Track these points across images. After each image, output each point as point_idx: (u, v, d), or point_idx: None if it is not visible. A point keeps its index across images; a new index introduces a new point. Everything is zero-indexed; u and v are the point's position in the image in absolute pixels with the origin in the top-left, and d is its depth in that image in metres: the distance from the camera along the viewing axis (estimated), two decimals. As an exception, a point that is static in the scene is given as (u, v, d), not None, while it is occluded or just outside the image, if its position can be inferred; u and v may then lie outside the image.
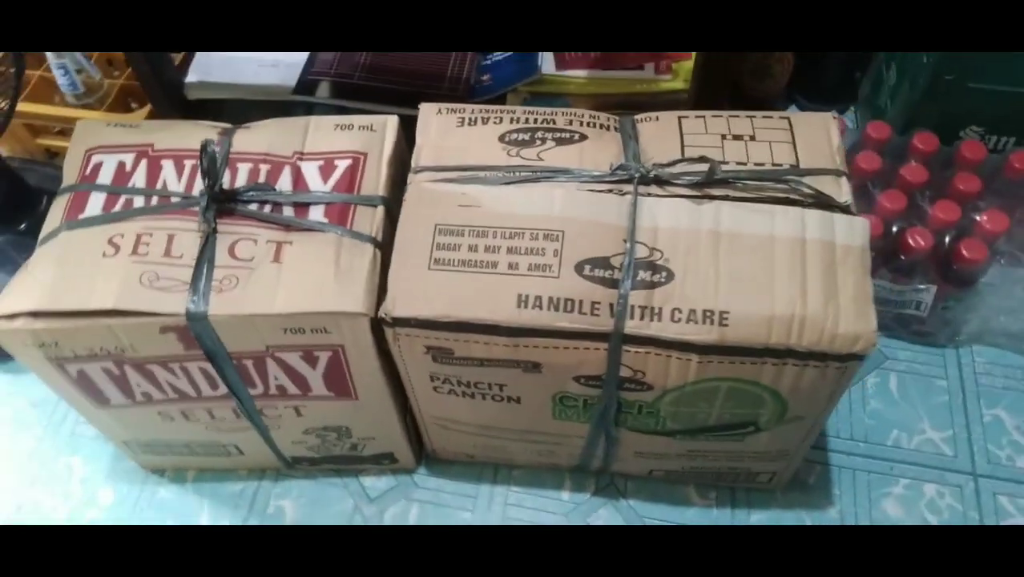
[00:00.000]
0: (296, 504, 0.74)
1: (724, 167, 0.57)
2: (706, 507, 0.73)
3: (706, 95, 0.74)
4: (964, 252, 0.71)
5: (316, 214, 0.59)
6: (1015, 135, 0.83)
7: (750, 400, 0.58)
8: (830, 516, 0.72)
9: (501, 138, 0.61)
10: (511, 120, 0.62)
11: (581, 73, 0.81)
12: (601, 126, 0.62)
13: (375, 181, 0.61)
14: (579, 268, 0.55)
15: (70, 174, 0.62)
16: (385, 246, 0.59)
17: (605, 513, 0.73)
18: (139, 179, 0.60)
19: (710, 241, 0.55)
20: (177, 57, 0.88)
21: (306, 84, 0.84)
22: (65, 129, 0.94)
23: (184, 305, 0.55)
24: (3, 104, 0.76)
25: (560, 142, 0.60)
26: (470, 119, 0.63)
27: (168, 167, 0.61)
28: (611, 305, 0.54)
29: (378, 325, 0.56)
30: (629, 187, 0.57)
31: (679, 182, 0.57)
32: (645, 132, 0.61)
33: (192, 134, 0.63)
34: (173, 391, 0.62)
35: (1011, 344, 0.79)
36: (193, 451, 0.71)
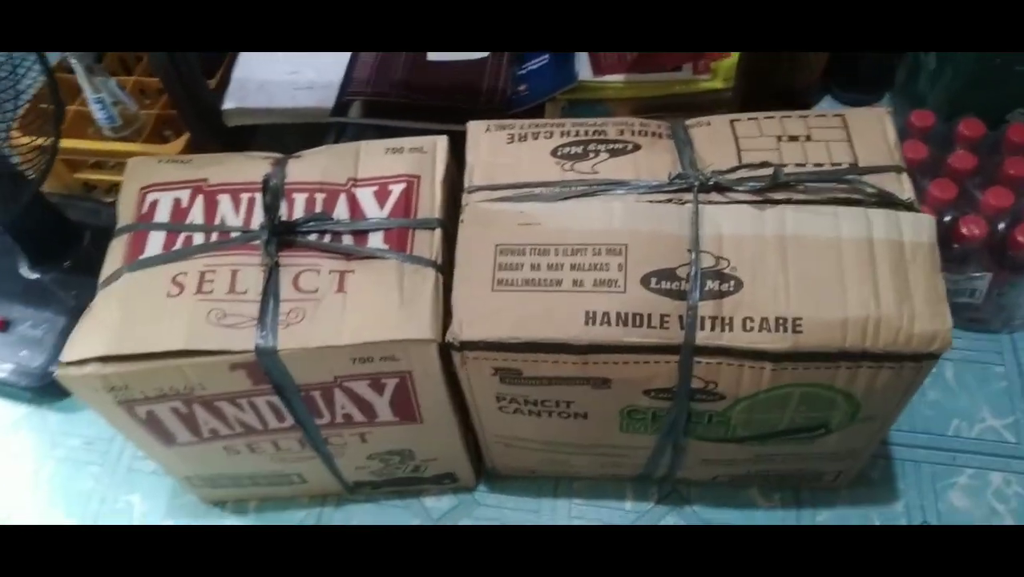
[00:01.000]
0: (361, 528, 0.74)
1: (784, 170, 0.57)
2: (771, 509, 0.72)
3: (750, 93, 0.74)
4: (1020, 238, 0.70)
5: (375, 240, 0.59)
6: (1062, 114, 0.82)
7: (823, 403, 0.57)
8: (896, 511, 0.71)
9: (553, 153, 0.61)
10: (561, 134, 0.62)
11: (619, 78, 0.80)
12: (653, 134, 0.62)
13: (430, 203, 0.61)
14: (645, 281, 0.54)
15: (126, 214, 0.62)
16: (445, 269, 0.58)
17: (671, 521, 0.72)
18: (197, 215, 0.60)
19: (776, 246, 0.54)
20: (212, 82, 0.88)
21: (343, 105, 0.83)
22: (101, 162, 0.94)
23: (253, 341, 0.55)
24: (46, 142, 0.76)
25: (614, 153, 0.60)
26: (520, 135, 0.63)
27: (225, 201, 0.61)
28: (680, 317, 0.53)
29: (445, 349, 0.56)
30: (689, 196, 0.57)
31: (740, 188, 0.56)
32: (699, 138, 0.61)
33: (244, 167, 0.63)
34: (240, 426, 0.62)
35: (1067, 325, 0.79)
36: (256, 482, 0.71)
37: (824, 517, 0.72)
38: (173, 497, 0.77)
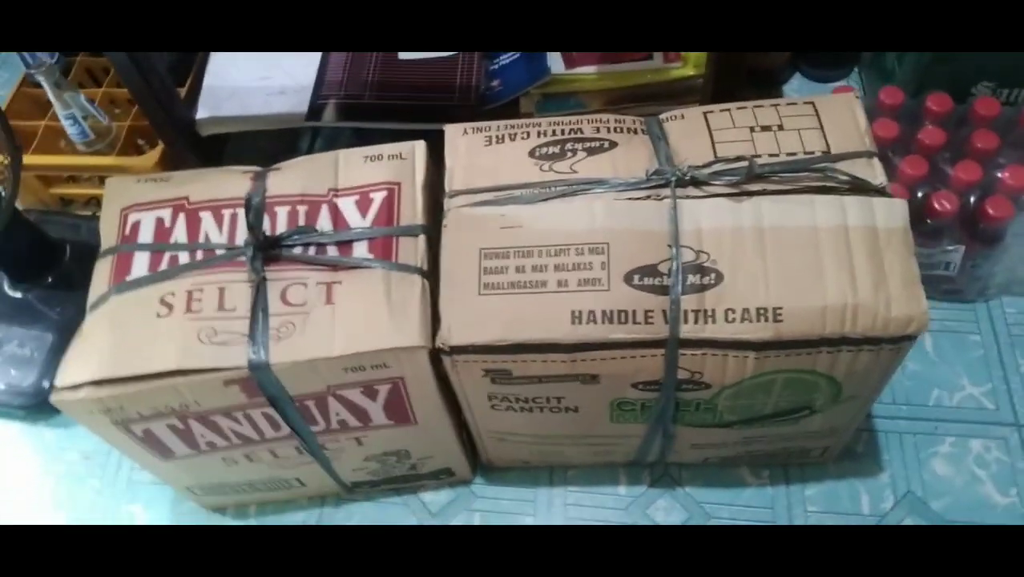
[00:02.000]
0: (361, 527, 0.75)
1: (758, 161, 0.58)
2: (760, 486, 0.74)
3: (721, 76, 0.74)
4: (990, 211, 0.71)
5: (360, 250, 0.59)
6: (1026, 85, 0.84)
7: (806, 387, 0.59)
8: (882, 482, 0.74)
9: (531, 153, 0.62)
10: (538, 134, 0.63)
11: (590, 69, 0.81)
12: (628, 130, 0.62)
13: (412, 210, 0.61)
14: (628, 278, 0.55)
15: (108, 235, 0.62)
16: (431, 274, 0.59)
17: (664, 503, 0.74)
18: (180, 234, 0.61)
19: (754, 238, 0.55)
20: (182, 91, 0.88)
21: (317, 109, 0.83)
22: (76, 176, 0.94)
23: (245, 357, 0.56)
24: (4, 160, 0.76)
25: (591, 152, 0.61)
26: (497, 136, 0.63)
27: (207, 219, 0.61)
28: (664, 312, 0.55)
29: (436, 354, 0.57)
30: (667, 192, 0.58)
31: (716, 182, 0.57)
32: (673, 132, 0.62)
33: (225, 182, 0.63)
34: (237, 437, 0.63)
35: (1039, 292, 0.81)
36: (255, 488, 0.72)
37: (812, 491, 0.74)
38: (175, 505, 0.78)
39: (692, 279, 0.55)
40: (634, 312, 0.55)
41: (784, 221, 0.56)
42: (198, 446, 0.63)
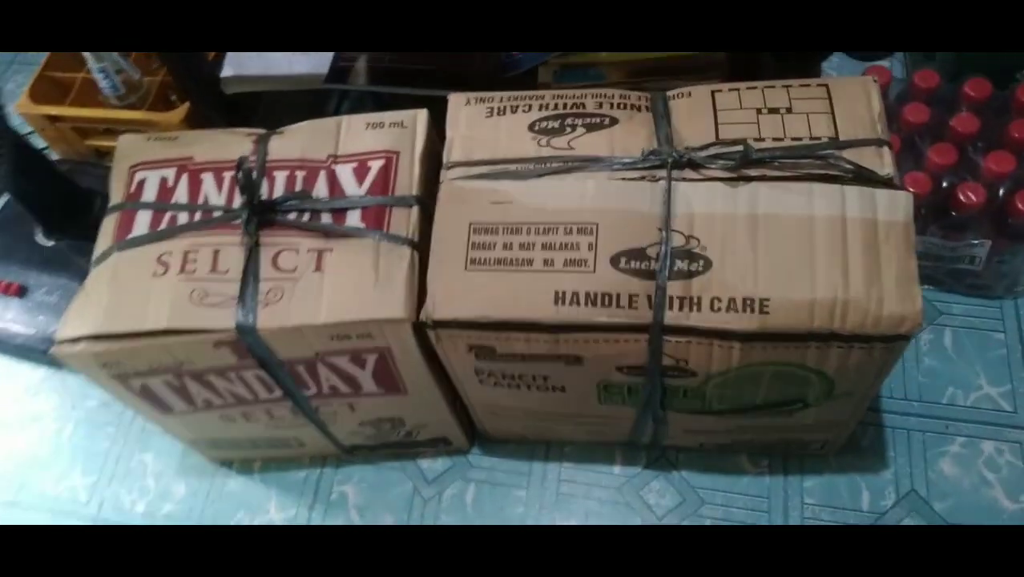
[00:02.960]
0: (358, 489, 0.76)
1: (760, 144, 0.56)
2: (758, 475, 0.73)
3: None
4: (1020, 205, 0.68)
5: (353, 219, 0.60)
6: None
7: (796, 380, 0.57)
8: (884, 478, 0.72)
9: (531, 127, 0.61)
10: (540, 107, 0.62)
11: (612, 41, 0.79)
12: (632, 107, 0.61)
13: (408, 180, 0.61)
14: (615, 261, 0.55)
15: (117, 193, 0.64)
16: (422, 246, 0.59)
17: (657, 485, 0.74)
18: (181, 194, 0.62)
19: (747, 225, 0.54)
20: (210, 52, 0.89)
21: (338, 71, 0.84)
22: (112, 129, 0.96)
23: (233, 320, 0.57)
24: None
25: (590, 128, 0.60)
26: (499, 108, 0.63)
27: (208, 180, 0.62)
28: (649, 297, 0.54)
29: (421, 327, 0.57)
30: (662, 173, 0.56)
31: (713, 165, 0.56)
32: (678, 110, 0.60)
33: (228, 144, 0.64)
34: (232, 397, 0.64)
35: (1072, 291, 0.77)
36: (257, 445, 0.74)
37: (811, 483, 0.72)
38: (184, 457, 0.80)
39: (680, 265, 0.54)
40: (618, 296, 0.54)
41: (779, 209, 0.54)
42: (195, 403, 0.65)
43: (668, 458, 0.75)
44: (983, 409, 0.74)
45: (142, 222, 0.61)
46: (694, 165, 0.56)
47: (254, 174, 0.60)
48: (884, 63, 0.94)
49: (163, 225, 0.61)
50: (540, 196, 0.57)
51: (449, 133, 0.62)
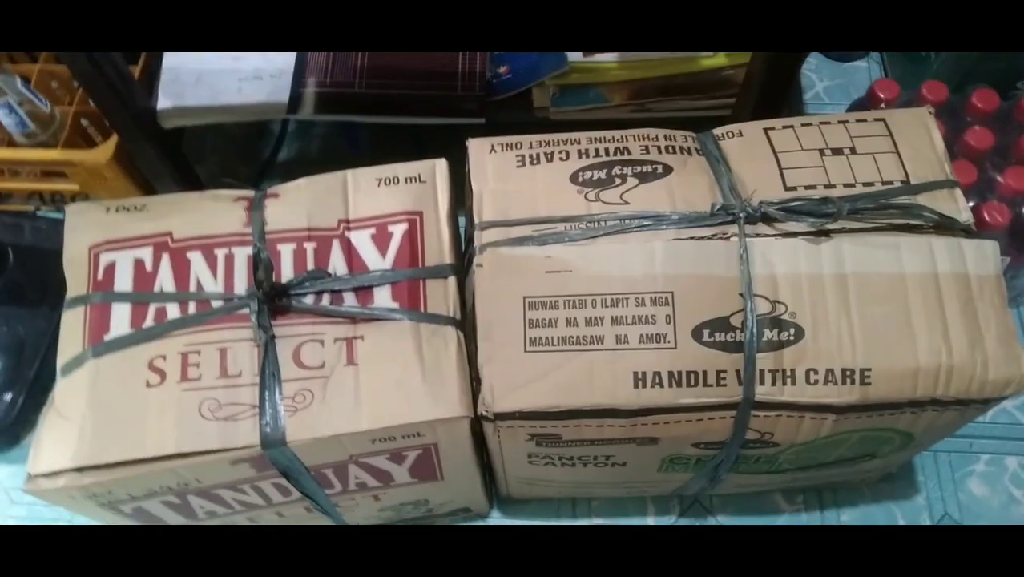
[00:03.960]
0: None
1: (832, 192, 0.52)
2: (795, 512, 0.70)
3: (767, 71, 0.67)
4: (1040, 222, 0.67)
5: (383, 296, 0.51)
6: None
7: (879, 440, 0.54)
8: (918, 504, 0.70)
9: (573, 178, 0.54)
10: (579, 154, 0.55)
11: (611, 57, 0.72)
12: (682, 150, 0.55)
13: (438, 246, 0.53)
14: (696, 334, 0.49)
15: (77, 282, 0.52)
16: (462, 322, 0.52)
17: (695, 535, 0.70)
18: (166, 281, 0.51)
19: (836, 287, 0.49)
20: (135, 70, 0.76)
21: (299, 98, 0.73)
22: (17, 170, 0.82)
23: (257, 434, 0.48)
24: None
25: (643, 178, 0.53)
26: (531, 156, 0.55)
27: (197, 261, 0.52)
28: (738, 372, 0.49)
29: (477, 420, 0.50)
30: (734, 229, 0.51)
31: (791, 220, 0.51)
32: (733, 153, 0.55)
33: (213, 213, 0.54)
34: (240, 505, 0.55)
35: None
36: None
37: (848, 517, 0.70)
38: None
39: (769, 335, 0.49)
40: (705, 373, 0.49)
41: (868, 267, 0.50)
42: (196, 516, 0.55)
43: (701, 503, 0.71)
44: (1002, 424, 0.74)
45: (120, 318, 0.50)
46: (767, 219, 0.51)
47: (262, 254, 0.50)
48: (861, 63, 0.92)
49: (148, 321, 0.50)
50: (601, 262, 0.51)
51: (476, 186, 0.54)
